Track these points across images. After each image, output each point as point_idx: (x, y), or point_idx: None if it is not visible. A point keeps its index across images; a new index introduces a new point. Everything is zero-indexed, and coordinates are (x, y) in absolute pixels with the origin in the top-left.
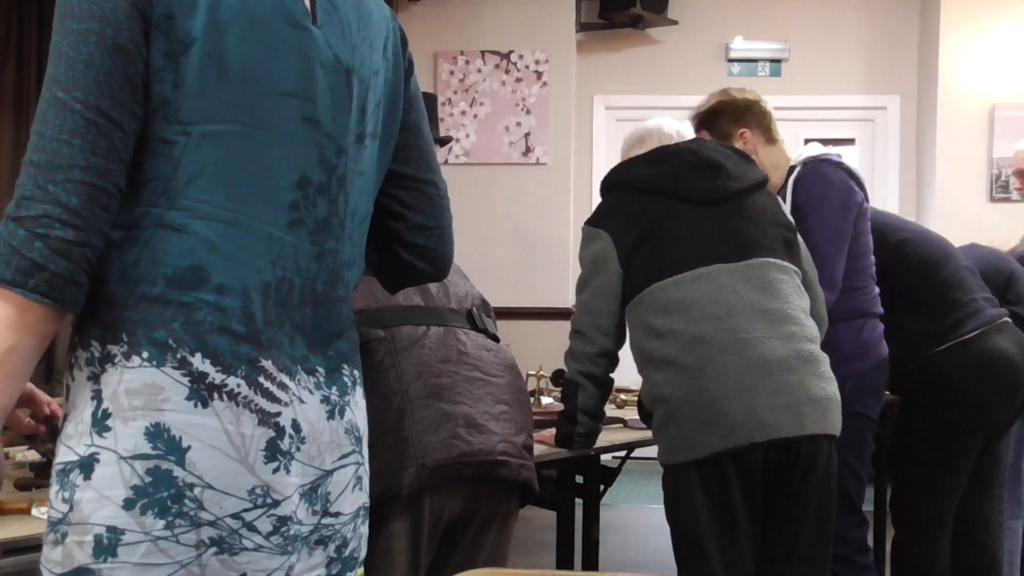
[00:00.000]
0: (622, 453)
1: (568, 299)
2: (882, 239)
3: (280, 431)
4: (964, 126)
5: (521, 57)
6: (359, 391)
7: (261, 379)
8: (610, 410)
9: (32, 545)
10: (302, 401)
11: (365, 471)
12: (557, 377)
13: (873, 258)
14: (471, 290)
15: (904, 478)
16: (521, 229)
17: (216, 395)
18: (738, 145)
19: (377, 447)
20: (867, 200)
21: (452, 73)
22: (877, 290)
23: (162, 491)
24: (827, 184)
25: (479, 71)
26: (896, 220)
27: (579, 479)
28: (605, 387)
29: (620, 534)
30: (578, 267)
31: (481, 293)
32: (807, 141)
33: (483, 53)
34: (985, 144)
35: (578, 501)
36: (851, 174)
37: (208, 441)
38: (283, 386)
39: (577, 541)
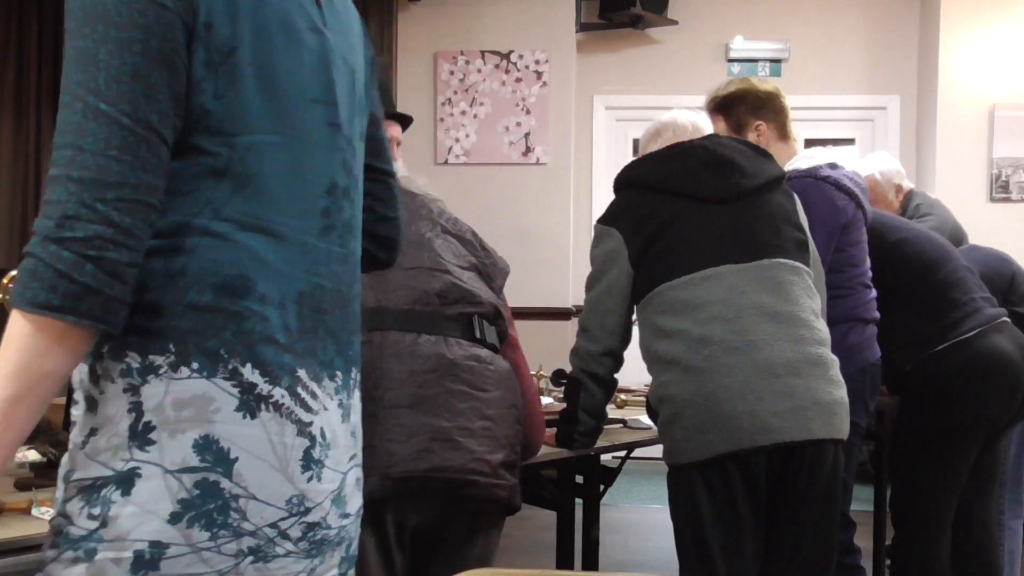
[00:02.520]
0: (622, 453)
1: (568, 299)
2: (880, 239)
3: (312, 440)
4: (964, 126)
5: (521, 57)
6: (358, 392)
7: (299, 389)
8: (610, 410)
9: (32, 545)
10: (326, 408)
11: (362, 471)
12: (557, 377)
13: (868, 266)
14: (487, 296)
15: (904, 478)
16: (521, 229)
17: (263, 406)
18: (751, 137)
19: None
20: (863, 207)
21: (452, 73)
22: (872, 295)
23: (210, 503)
24: (805, 204)
25: (479, 71)
26: (895, 220)
27: (579, 479)
28: (608, 387)
29: (620, 534)
30: (578, 267)
31: (496, 299)
32: (807, 142)
33: (483, 53)
34: (985, 144)
35: (578, 501)
36: (840, 186)
37: (255, 452)
38: (314, 395)
39: (577, 541)
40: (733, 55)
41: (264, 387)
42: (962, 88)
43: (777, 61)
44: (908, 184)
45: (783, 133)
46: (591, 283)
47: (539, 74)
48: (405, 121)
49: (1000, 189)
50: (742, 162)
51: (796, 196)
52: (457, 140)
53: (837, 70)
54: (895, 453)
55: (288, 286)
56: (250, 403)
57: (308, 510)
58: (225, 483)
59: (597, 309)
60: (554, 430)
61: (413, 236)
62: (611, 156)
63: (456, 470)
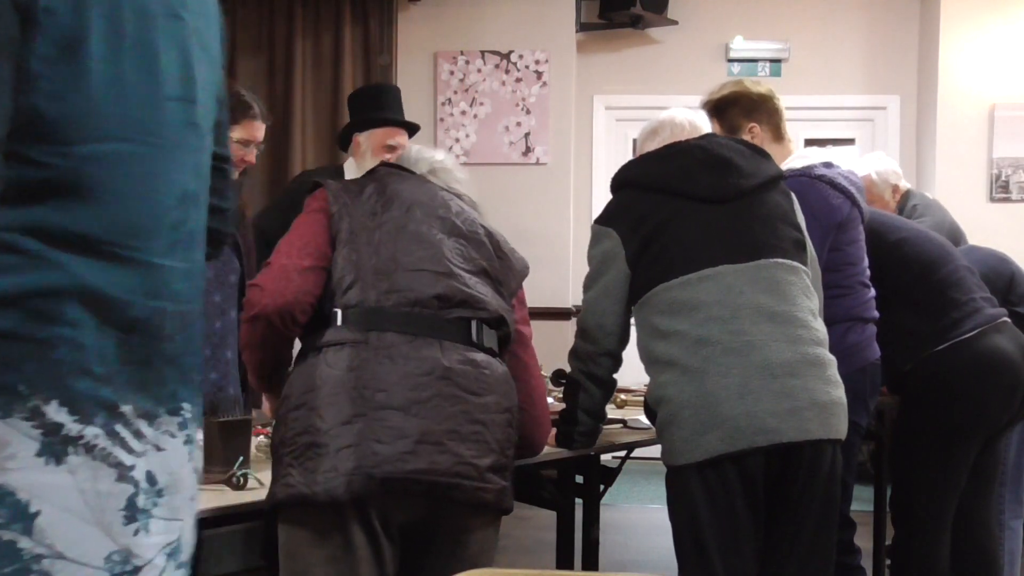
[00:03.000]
0: (622, 453)
1: (568, 299)
2: (880, 239)
3: (136, 486)
4: (964, 126)
5: (521, 57)
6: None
7: (119, 427)
8: (610, 410)
9: None
10: (160, 448)
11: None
12: (557, 377)
13: (865, 264)
14: (492, 301)
15: (903, 478)
16: (521, 229)
17: (72, 449)
18: (746, 139)
19: (330, 446)
20: (859, 206)
21: (452, 73)
22: (871, 294)
23: (4, 567)
24: (801, 203)
25: (479, 71)
26: (894, 220)
27: (579, 479)
28: (607, 387)
29: (620, 534)
30: (578, 267)
31: (503, 305)
32: (807, 142)
33: (483, 53)
34: (985, 144)
35: (578, 501)
36: (835, 185)
37: (61, 504)
38: (139, 434)
39: (577, 541)
40: (733, 55)
41: (73, 427)
42: (962, 88)
43: (777, 61)
44: (905, 184)
45: (777, 134)
46: (588, 284)
47: (539, 74)
48: (413, 129)
49: (1000, 189)
50: (740, 162)
51: (794, 196)
52: (457, 140)
53: (837, 70)
54: (895, 453)
55: (115, 312)
56: (55, 446)
57: (137, 568)
58: (24, 542)
59: (595, 310)
60: (554, 430)
61: (425, 236)
62: (611, 156)
63: (440, 473)
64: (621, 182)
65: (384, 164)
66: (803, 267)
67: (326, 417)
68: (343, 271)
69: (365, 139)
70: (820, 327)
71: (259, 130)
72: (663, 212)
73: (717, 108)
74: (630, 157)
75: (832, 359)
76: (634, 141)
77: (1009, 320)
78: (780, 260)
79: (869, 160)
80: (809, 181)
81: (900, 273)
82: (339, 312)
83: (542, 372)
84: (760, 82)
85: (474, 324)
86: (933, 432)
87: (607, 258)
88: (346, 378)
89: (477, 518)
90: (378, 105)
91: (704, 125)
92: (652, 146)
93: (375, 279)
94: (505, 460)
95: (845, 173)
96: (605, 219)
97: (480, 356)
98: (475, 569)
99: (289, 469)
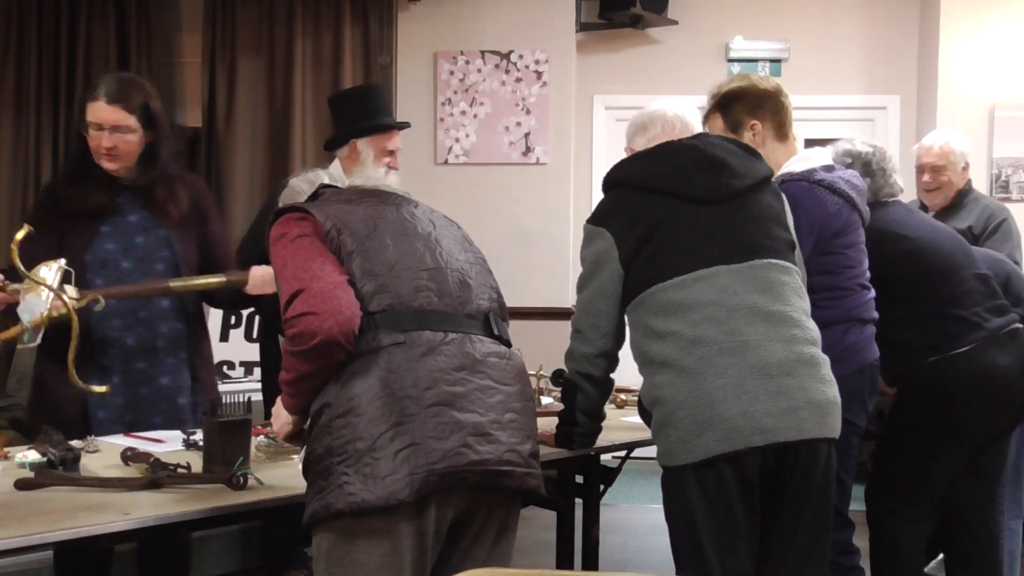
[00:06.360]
0: (622, 453)
1: (568, 299)
2: (882, 249)
3: None
4: (964, 126)
5: (521, 57)
6: None
7: None
8: (610, 410)
9: (32, 545)
10: None
11: None
12: (557, 377)
13: (865, 266)
14: (495, 290)
15: (883, 470)
16: (521, 229)
17: None
18: (747, 136)
19: (387, 449)
20: (859, 210)
21: (452, 73)
22: (871, 295)
23: None
24: (798, 208)
25: (479, 71)
26: (902, 227)
27: (579, 479)
28: (604, 387)
29: (620, 534)
30: (578, 267)
31: (500, 293)
32: (808, 142)
33: (483, 53)
34: (985, 144)
35: (578, 501)
36: (834, 189)
37: None
38: None
39: (577, 541)
40: (733, 55)
41: None
42: (962, 88)
43: (777, 61)
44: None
45: (781, 133)
46: (582, 284)
47: (539, 74)
48: (380, 127)
49: (1000, 189)
50: (732, 162)
51: (784, 196)
52: (457, 140)
53: (837, 70)
54: (880, 447)
55: None
56: None
57: None
58: None
59: (589, 311)
60: (553, 430)
61: (423, 235)
62: (611, 156)
63: (494, 462)
64: (613, 181)
65: (324, 185)
66: (795, 267)
67: (377, 421)
68: (361, 281)
69: (365, 145)
70: (813, 326)
71: (102, 111)
72: (657, 212)
73: (722, 102)
74: None
75: (825, 358)
76: None
77: (1020, 326)
78: (773, 261)
79: (955, 133)
80: (808, 186)
81: (900, 287)
82: (369, 319)
83: (542, 372)
84: (769, 79)
85: (491, 316)
86: (917, 437)
87: (600, 258)
88: (390, 380)
89: (509, 508)
90: (373, 108)
91: (694, 122)
92: (641, 141)
93: (396, 282)
94: (537, 447)
95: (847, 177)
96: (598, 219)
97: (502, 348)
98: (477, 569)
99: (344, 478)
